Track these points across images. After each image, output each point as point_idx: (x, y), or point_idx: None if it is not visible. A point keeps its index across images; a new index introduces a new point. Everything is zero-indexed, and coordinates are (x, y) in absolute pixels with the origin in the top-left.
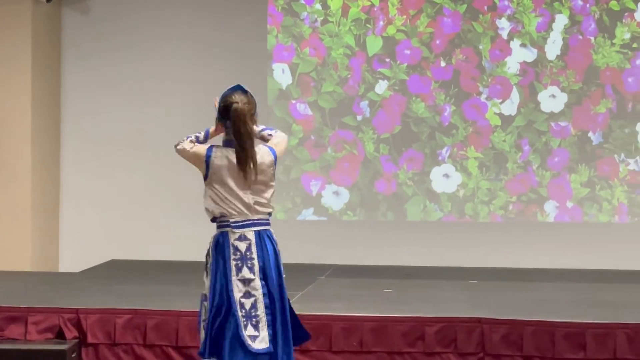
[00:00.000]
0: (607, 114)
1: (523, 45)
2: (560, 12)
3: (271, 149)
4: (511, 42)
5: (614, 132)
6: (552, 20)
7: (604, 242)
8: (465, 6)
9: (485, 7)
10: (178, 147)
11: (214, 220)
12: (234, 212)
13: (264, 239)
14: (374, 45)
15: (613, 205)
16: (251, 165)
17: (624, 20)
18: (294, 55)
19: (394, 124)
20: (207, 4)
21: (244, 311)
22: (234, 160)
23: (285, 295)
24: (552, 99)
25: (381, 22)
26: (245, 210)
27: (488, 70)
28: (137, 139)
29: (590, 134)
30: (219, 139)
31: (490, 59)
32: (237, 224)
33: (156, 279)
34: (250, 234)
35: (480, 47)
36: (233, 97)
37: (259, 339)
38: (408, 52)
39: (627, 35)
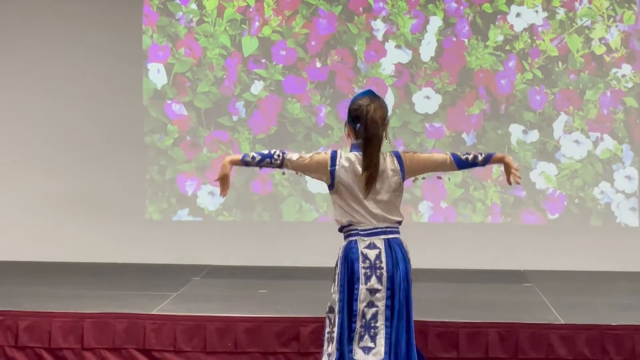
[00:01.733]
0: (481, 115)
1: (398, 46)
2: (435, 14)
3: (398, 156)
4: (386, 43)
5: (487, 133)
6: (427, 22)
7: (477, 242)
8: (340, 7)
9: (361, 9)
10: (287, 157)
11: (341, 229)
12: (362, 220)
13: (394, 248)
14: (250, 45)
15: (486, 206)
16: (374, 173)
17: (497, 23)
18: (169, 55)
19: (269, 124)
20: (81, 3)
21: (363, 321)
22: (359, 166)
23: (411, 309)
24: (426, 100)
25: (257, 23)
26: (372, 219)
27: (363, 71)
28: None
29: (464, 135)
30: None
31: (365, 60)
32: (366, 232)
33: (26, 280)
34: (379, 242)
35: (356, 48)
36: (365, 100)
37: (373, 351)
38: (284, 52)
39: (500, 38)
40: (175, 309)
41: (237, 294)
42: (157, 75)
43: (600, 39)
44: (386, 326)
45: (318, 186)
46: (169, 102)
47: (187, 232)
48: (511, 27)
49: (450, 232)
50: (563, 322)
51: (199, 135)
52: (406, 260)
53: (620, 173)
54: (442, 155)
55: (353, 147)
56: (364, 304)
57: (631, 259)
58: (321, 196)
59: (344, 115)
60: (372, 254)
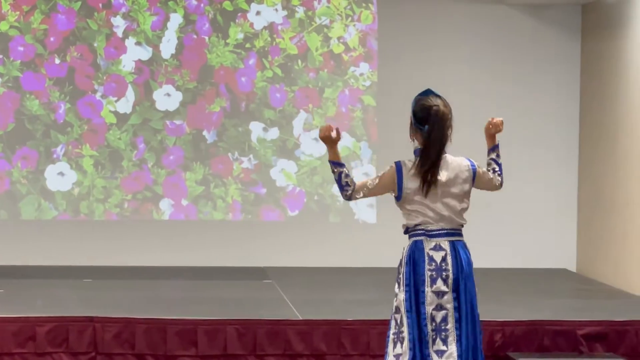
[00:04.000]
0: (221, 112)
1: (138, 43)
2: (175, 11)
3: (472, 164)
4: (126, 40)
5: (228, 130)
6: (167, 19)
7: (218, 239)
8: (80, 3)
9: (100, 5)
10: (358, 196)
11: (407, 231)
12: (430, 221)
13: (459, 250)
14: None
15: (227, 203)
16: (434, 171)
17: (237, 21)
18: None
19: (7, 121)
20: None
21: (434, 324)
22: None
23: (476, 311)
24: (167, 98)
25: None
26: (440, 221)
27: (103, 68)
28: None
29: (204, 133)
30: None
31: (105, 57)
32: (433, 233)
33: None
34: (445, 244)
35: (95, 44)
36: (430, 100)
37: (446, 354)
38: (22, 48)
39: (241, 36)
40: None
41: None
42: None
43: (338, 38)
44: (456, 328)
45: (57, 184)
46: None
47: None
48: (251, 25)
49: (192, 230)
50: (301, 318)
51: None
52: (470, 263)
53: (358, 170)
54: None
55: (416, 152)
56: (432, 306)
57: (369, 255)
58: (60, 194)
59: (84, 112)
60: (437, 256)
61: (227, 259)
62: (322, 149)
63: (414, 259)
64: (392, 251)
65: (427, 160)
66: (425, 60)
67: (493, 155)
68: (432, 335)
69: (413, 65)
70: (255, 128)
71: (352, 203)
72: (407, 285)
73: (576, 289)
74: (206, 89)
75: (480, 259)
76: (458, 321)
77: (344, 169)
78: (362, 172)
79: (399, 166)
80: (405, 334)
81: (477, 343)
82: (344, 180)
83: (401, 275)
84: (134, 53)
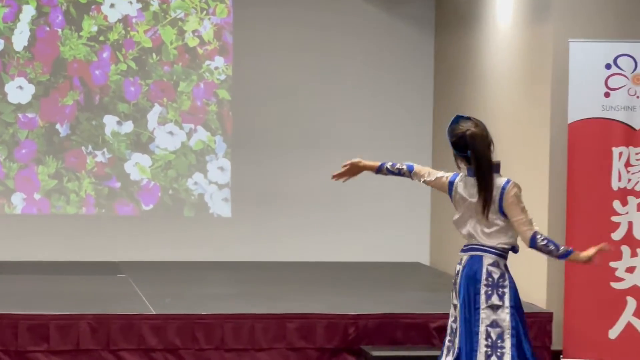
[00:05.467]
0: (75, 105)
1: None
2: (28, 3)
3: (503, 190)
4: None
5: (81, 124)
6: (20, 10)
7: (71, 234)
8: None
9: None
10: (427, 179)
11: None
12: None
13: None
14: None
15: (81, 197)
16: (487, 196)
17: (91, 13)
18: None
19: None
20: None
21: (490, 340)
22: (470, 189)
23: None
24: (19, 91)
25: None
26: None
27: None
28: None
29: (57, 126)
30: None
31: None
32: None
33: None
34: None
35: None
36: (462, 126)
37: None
38: None
39: (95, 28)
40: None
41: None
42: None
43: (193, 32)
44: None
45: None
46: None
47: None
48: (105, 17)
49: (44, 224)
50: (154, 313)
51: None
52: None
53: (213, 164)
54: (527, 230)
55: (469, 172)
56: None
57: (224, 249)
58: None
59: None
60: (496, 272)
61: (81, 253)
62: (176, 142)
63: (469, 272)
64: (247, 245)
65: (482, 185)
66: (280, 55)
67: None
68: (487, 351)
69: (268, 59)
70: (109, 121)
71: (207, 197)
72: (461, 297)
73: (429, 282)
74: (59, 82)
75: (334, 253)
76: (455, 331)
77: (386, 164)
78: (216, 167)
79: (454, 177)
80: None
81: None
82: (396, 169)
83: (457, 285)
84: None
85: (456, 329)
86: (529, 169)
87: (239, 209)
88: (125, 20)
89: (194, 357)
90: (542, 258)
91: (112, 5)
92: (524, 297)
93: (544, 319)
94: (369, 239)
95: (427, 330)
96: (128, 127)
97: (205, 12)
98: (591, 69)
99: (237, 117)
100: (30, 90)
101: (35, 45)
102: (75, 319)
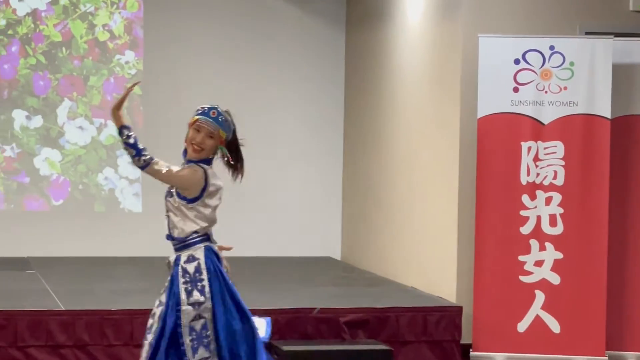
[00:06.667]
0: None
1: None
2: None
3: None
4: None
5: None
6: None
7: None
8: None
9: None
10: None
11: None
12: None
13: None
14: None
15: None
16: None
17: (0, 7)
18: None
19: None
20: None
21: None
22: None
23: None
24: None
25: None
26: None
27: None
28: None
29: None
30: None
31: None
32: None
33: None
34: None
35: None
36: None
37: None
38: None
39: (3, 22)
40: None
41: None
42: None
43: (104, 25)
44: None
45: None
46: None
47: None
48: (14, 11)
49: None
50: (64, 309)
51: None
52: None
53: (124, 159)
54: None
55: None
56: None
57: (135, 244)
58: None
59: None
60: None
61: None
62: (87, 137)
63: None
64: (157, 240)
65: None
66: (191, 49)
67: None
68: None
69: (178, 53)
70: (18, 116)
71: (117, 192)
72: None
73: (340, 277)
74: None
75: (245, 247)
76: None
77: (131, 135)
78: (127, 161)
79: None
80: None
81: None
82: (139, 144)
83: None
84: None
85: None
86: (439, 163)
87: (149, 203)
88: (34, 13)
89: (103, 353)
90: (453, 252)
91: None
92: (434, 291)
93: (453, 313)
94: (279, 233)
95: (337, 324)
96: (37, 121)
97: (115, 6)
98: (500, 64)
99: (148, 111)
100: None
101: None
102: None
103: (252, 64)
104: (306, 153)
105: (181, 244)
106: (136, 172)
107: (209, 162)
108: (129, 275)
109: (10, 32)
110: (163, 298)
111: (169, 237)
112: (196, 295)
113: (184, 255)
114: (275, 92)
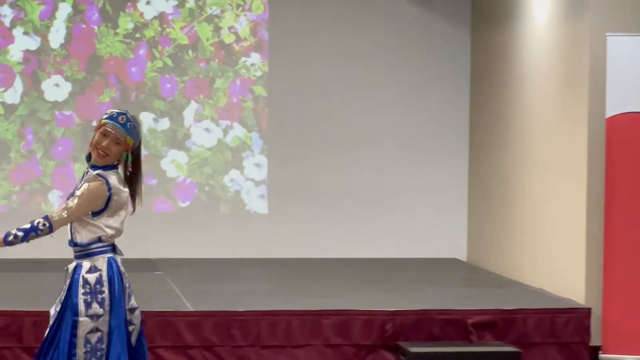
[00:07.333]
0: (111, 103)
1: (26, 33)
2: (64, 0)
3: None
4: (14, 29)
5: None
6: (56, 8)
7: None
8: None
9: None
10: (54, 219)
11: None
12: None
13: None
14: None
15: None
16: None
17: (127, 10)
18: None
19: None
20: None
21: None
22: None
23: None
24: (56, 88)
25: None
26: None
27: None
28: None
29: (94, 124)
30: None
31: None
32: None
33: None
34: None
35: None
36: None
37: None
38: None
39: (131, 25)
40: None
41: None
42: None
43: (229, 28)
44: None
45: None
46: None
47: None
48: (141, 14)
49: None
50: (191, 310)
51: None
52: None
53: (249, 161)
54: None
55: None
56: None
57: (260, 246)
58: None
59: None
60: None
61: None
62: (213, 139)
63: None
64: (283, 242)
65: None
66: (316, 51)
67: None
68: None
69: (304, 55)
70: (146, 119)
71: (243, 194)
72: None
73: (466, 278)
74: (95, 79)
75: (371, 249)
76: None
77: (12, 231)
78: (253, 163)
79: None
80: None
81: None
82: (20, 228)
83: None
84: (22, 43)
85: None
86: (566, 164)
87: (275, 205)
88: (161, 17)
89: (230, 354)
90: (581, 253)
91: (148, 2)
92: (562, 292)
93: (582, 314)
94: (405, 236)
95: (464, 326)
96: (164, 124)
97: (241, 8)
98: (629, 63)
99: (273, 113)
100: (66, 88)
101: (71, 43)
102: None
103: (377, 66)
104: (432, 155)
105: (83, 251)
106: (262, 174)
107: (113, 167)
108: (255, 277)
109: (137, 35)
110: (58, 307)
111: (71, 242)
112: (95, 308)
113: (85, 265)
114: (399, 94)
